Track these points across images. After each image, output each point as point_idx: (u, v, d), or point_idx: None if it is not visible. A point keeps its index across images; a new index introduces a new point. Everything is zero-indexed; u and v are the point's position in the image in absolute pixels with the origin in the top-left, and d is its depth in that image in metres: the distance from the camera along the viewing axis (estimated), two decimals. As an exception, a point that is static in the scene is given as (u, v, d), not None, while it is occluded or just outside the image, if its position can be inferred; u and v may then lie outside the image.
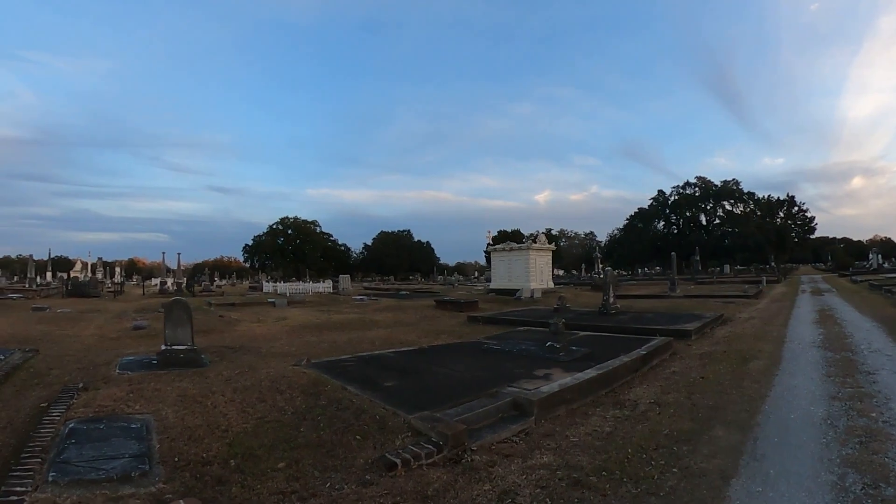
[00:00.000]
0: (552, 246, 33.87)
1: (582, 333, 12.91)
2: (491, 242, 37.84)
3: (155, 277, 75.77)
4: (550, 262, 33.44)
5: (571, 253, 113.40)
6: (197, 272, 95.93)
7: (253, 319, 18.91)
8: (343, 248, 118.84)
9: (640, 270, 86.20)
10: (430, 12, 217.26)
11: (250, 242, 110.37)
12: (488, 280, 40.20)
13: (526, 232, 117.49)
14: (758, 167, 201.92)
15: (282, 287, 44.24)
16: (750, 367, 8.53)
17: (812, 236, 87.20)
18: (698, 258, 59.74)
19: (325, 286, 46.16)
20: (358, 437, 5.33)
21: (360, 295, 35.95)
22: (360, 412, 6.05)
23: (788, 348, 10.30)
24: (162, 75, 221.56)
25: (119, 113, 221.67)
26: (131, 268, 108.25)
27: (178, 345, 9.35)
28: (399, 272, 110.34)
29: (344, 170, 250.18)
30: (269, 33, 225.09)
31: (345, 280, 43.38)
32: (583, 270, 74.70)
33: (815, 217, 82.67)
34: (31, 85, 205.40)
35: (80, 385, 7.47)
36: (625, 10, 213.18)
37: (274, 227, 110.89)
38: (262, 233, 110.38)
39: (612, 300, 17.83)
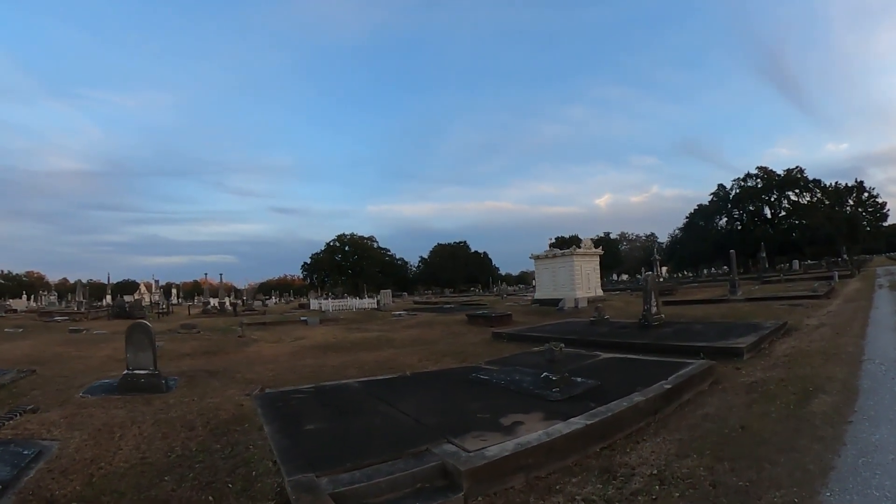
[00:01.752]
0: (599, 250, 31.17)
1: (603, 356, 10.69)
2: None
3: (214, 297, 78.58)
4: (598, 268, 30.81)
5: (633, 256, 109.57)
6: (260, 291, 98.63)
7: (272, 339, 18.46)
8: (400, 262, 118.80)
9: (704, 271, 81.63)
10: (476, 22, 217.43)
11: (309, 260, 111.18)
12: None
13: (584, 237, 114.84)
14: (822, 154, 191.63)
15: (326, 304, 44.10)
16: (813, 409, 6.14)
17: (885, 224, 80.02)
18: (764, 255, 55.31)
19: (369, 302, 45.36)
20: (212, 498, 4.47)
21: (401, 310, 34.91)
22: (241, 464, 5.19)
23: (867, 372, 7.77)
24: (221, 104, 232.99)
25: (182, 142, 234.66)
26: (196, 289, 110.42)
27: (139, 369, 9.17)
28: (456, 284, 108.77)
29: (403, 184, 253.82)
30: (322, 57, 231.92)
31: (385, 295, 42.97)
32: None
33: (886, 202, 75.76)
34: (98, 121, 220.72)
35: (30, 407, 7.64)
36: (667, 1, 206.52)
37: (331, 243, 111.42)
38: (320, 250, 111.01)
39: (654, 309, 15.37)
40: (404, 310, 35.62)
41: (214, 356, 14.65)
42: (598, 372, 8.75)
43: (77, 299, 53.77)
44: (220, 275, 52.95)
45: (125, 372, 9.16)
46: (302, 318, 28.17)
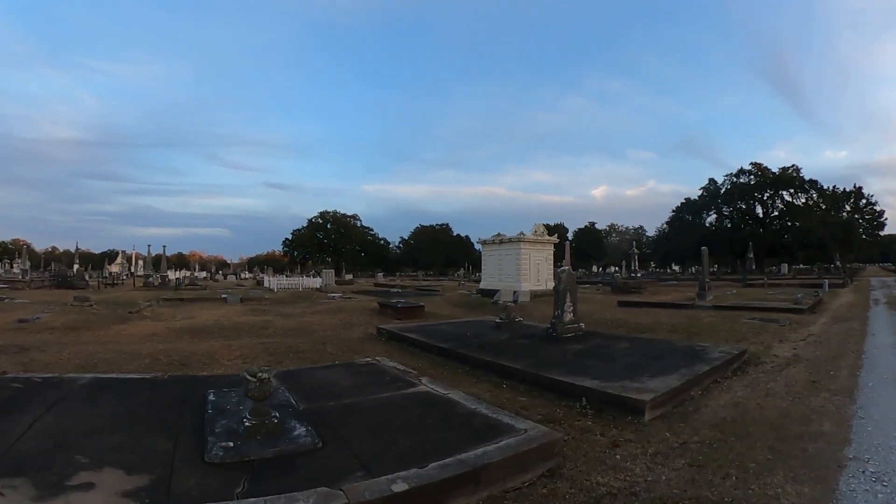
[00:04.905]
0: (553, 238, 26.68)
1: (420, 389, 6.58)
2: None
3: (202, 270, 76.94)
4: (551, 258, 26.37)
5: (621, 249, 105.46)
6: (250, 265, 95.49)
7: (165, 317, 17.57)
8: (383, 242, 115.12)
9: (692, 269, 77.22)
10: (478, 7, 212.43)
11: (290, 237, 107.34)
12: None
13: (572, 227, 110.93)
14: (819, 160, 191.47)
15: (275, 281, 41.46)
16: None
17: (881, 233, 75.55)
18: (752, 255, 51.14)
19: (319, 282, 41.80)
20: None
21: (340, 293, 31.33)
22: None
23: (853, 495, 3.59)
24: (217, 77, 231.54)
25: (178, 115, 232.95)
26: (181, 262, 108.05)
27: None
28: (436, 267, 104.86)
29: (399, 165, 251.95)
30: (323, 35, 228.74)
31: (327, 275, 40.03)
32: (623, 268, 66.71)
33: (884, 211, 71.27)
34: (94, 90, 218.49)
35: None
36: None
37: (314, 220, 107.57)
38: (302, 226, 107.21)
39: (567, 317, 11.21)
40: (347, 292, 32.43)
41: (73, 332, 13.73)
42: (360, 419, 5.52)
43: (21, 267, 51.04)
44: (164, 247, 49.16)
45: None
46: (223, 296, 26.50)
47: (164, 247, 49.32)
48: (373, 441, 4.73)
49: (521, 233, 25.03)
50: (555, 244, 26.96)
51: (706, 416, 5.94)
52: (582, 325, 11.67)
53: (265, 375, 4.66)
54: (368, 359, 9.21)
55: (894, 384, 7.06)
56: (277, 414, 4.92)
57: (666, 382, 6.82)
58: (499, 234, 26.58)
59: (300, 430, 4.87)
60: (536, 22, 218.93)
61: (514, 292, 22.78)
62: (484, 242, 27.74)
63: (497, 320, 13.31)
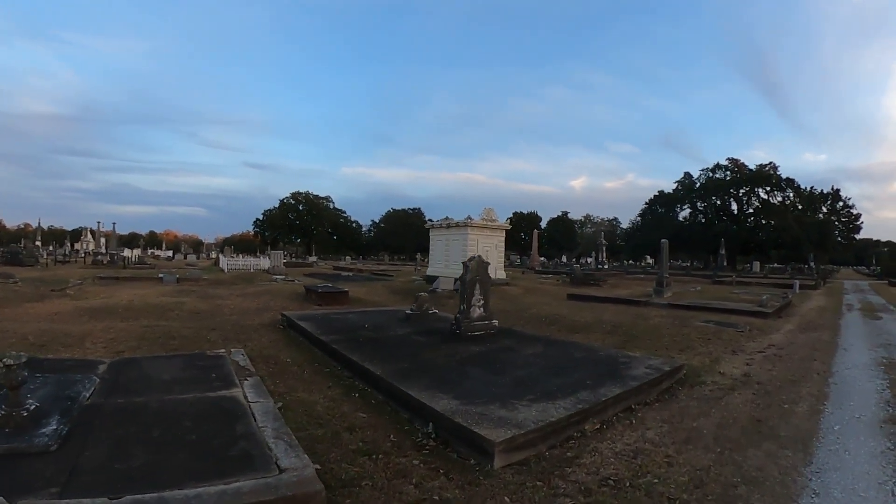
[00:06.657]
0: (504, 224, 24.64)
1: (220, 392, 4.65)
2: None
3: (169, 250, 74.69)
4: (502, 245, 24.37)
5: (594, 240, 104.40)
6: (225, 246, 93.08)
7: (85, 296, 16.40)
8: (355, 225, 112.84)
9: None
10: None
11: (261, 217, 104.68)
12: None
13: (545, 216, 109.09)
14: (799, 162, 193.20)
15: (227, 262, 39.22)
16: None
17: (857, 236, 74.37)
18: (723, 252, 49.59)
19: (267, 262, 40.07)
20: None
21: (283, 276, 29.65)
22: None
23: None
24: (197, 55, 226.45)
25: (156, 91, 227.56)
26: (152, 240, 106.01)
27: None
28: (407, 252, 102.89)
29: (379, 149, 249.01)
30: (304, 15, 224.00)
31: (275, 257, 37.82)
32: (593, 259, 65.06)
33: (861, 215, 69.85)
34: (71, 64, 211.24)
35: None
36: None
37: (285, 200, 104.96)
38: (273, 207, 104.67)
39: (477, 312, 9.22)
40: (295, 274, 31.48)
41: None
42: (129, 422, 4.64)
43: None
44: (114, 224, 47.34)
45: None
46: (160, 276, 25.14)
47: (115, 224, 47.70)
48: (108, 453, 3.98)
49: (469, 217, 22.92)
50: (507, 230, 24.98)
51: (583, 471, 3.91)
52: (495, 321, 9.69)
53: (11, 362, 4.31)
54: (222, 351, 8.05)
55: (870, 429, 5.05)
56: (32, 406, 4.56)
57: (546, 412, 4.81)
58: (447, 218, 24.52)
59: (50, 427, 4.46)
60: (519, 8, 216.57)
61: (455, 280, 20.72)
62: (432, 226, 25.73)
63: (407, 311, 11.49)
